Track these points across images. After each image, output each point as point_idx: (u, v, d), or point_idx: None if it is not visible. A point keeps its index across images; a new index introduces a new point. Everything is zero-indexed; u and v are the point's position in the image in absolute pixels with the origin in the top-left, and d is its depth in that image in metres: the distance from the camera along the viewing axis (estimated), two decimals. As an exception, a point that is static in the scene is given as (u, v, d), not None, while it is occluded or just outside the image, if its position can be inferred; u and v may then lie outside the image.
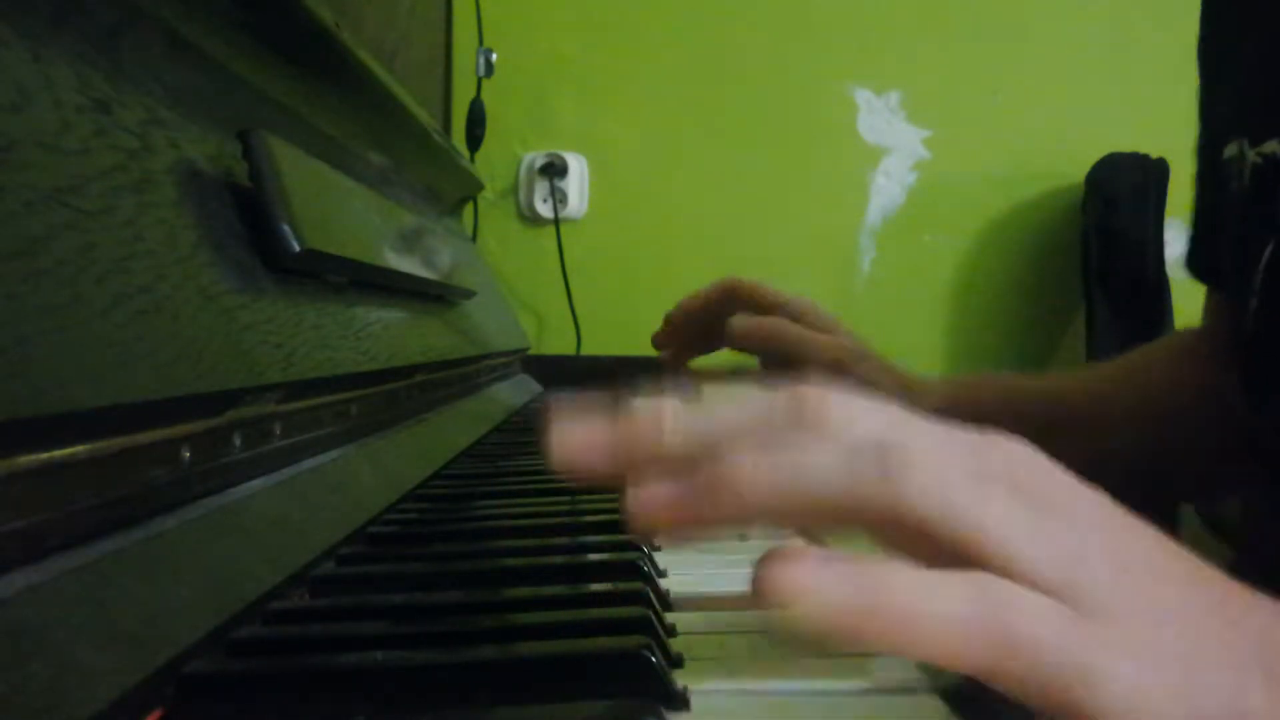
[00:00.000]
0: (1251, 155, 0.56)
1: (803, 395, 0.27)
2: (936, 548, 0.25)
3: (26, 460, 0.25)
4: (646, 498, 0.26)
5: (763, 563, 0.24)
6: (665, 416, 0.27)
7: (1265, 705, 0.25)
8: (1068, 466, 0.28)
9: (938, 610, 0.24)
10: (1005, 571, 0.25)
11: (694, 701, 0.27)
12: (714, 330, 0.74)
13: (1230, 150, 0.58)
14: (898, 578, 0.24)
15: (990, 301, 1.63)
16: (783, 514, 0.26)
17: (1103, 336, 1.52)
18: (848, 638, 0.24)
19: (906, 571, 0.25)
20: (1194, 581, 0.27)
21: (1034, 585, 0.25)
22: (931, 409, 0.28)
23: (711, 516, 0.26)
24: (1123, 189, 1.53)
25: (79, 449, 0.27)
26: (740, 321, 0.70)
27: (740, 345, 0.72)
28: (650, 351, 0.86)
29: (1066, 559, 0.25)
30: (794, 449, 0.25)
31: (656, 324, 0.88)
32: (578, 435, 0.27)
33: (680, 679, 0.29)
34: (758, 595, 0.24)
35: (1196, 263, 0.73)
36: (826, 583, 0.24)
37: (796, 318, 0.72)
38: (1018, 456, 0.27)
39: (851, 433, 0.26)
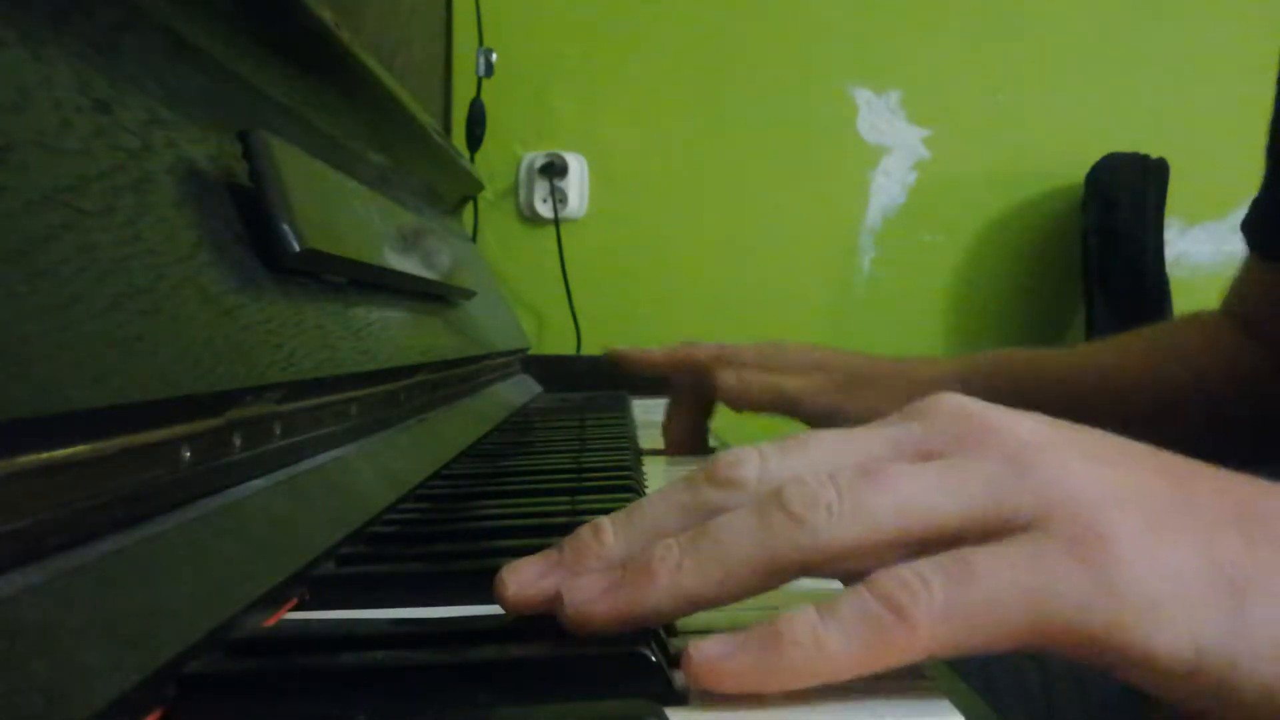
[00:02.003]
0: None
1: (711, 469, 0.28)
2: (879, 557, 0.26)
3: (26, 460, 0.25)
4: (581, 591, 0.27)
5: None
6: (601, 533, 0.29)
7: (1247, 562, 0.25)
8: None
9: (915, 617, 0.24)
10: (931, 539, 0.25)
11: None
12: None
13: None
14: (805, 616, 0.25)
15: (990, 301, 1.63)
16: (721, 594, 0.27)
17: (1103, 336, 1.52)
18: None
19: (810, 611, 0.25)
20: (1152, 462, 0.27)
21: (974, 536, 0.25)
22: (923, 388, 0.29)
23: (641, 606, 0.27)
24: (1123, 189, 1.53)
25: (79, 449, 0.27)
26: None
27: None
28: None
29: (992, 487, 0.25)
30: (707, 528, 0.27)
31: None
32: (525, 573, 0.29)
33: (680, 679, 0.29)
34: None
35: (1264, 235, 0.70)
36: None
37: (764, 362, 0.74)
38: (937, 411, 0.28)
39: (758, 484, 0.27)
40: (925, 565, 0.25)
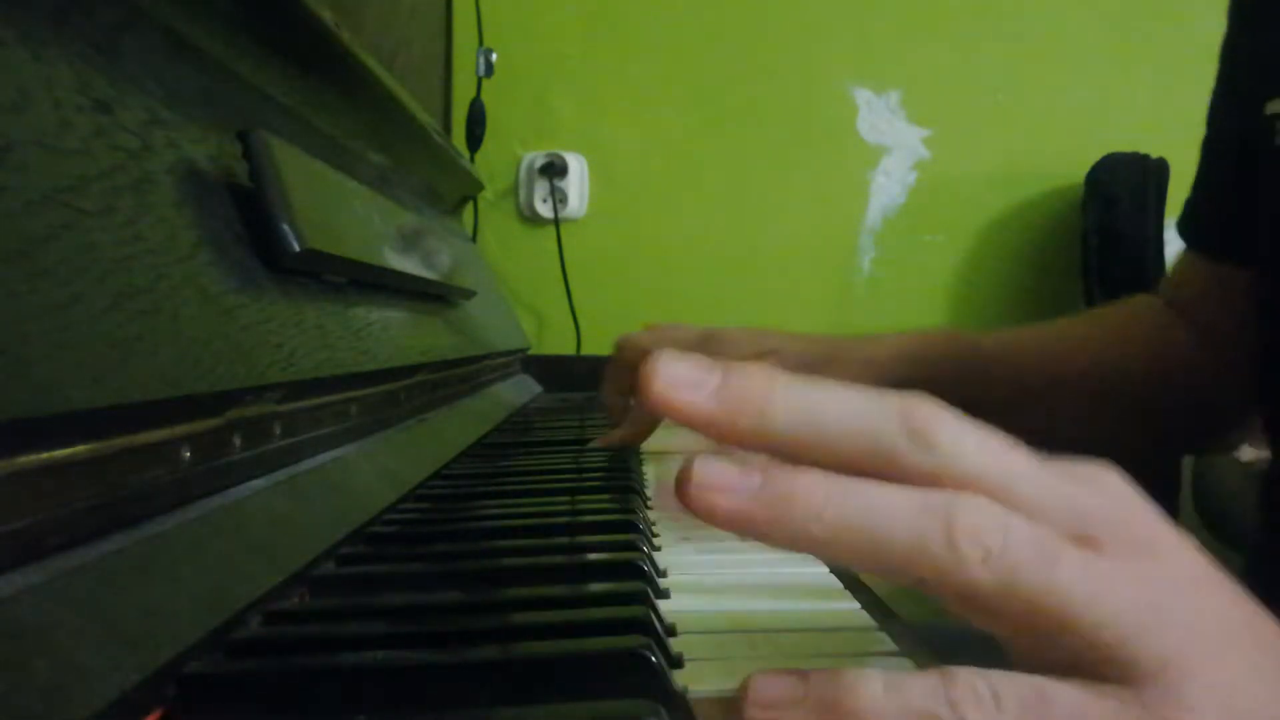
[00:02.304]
0: None
1: (912, 409, 0.26)
2: (990, 608, 0.25)
3: (26, 460, 0.25)
4: (712, 480, 0.25)
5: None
6: (775, 391, 0.26)
7: None
8: (1044, 420, 0.27)
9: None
10: (1060, 631, 0.24)
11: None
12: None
13: (1274, 106, 0.56)
14: (870, 686, 0.24)
15: (990, 301, 1.63)
16: (837, 556, 0.25)
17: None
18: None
19: (876, 681, 0.24)
20: (1268, 660, 0.26)
21: (1087, 643, 0.24)
22: (878, 367, 0.28)
23: (762, 530, 0.25)
24: (1123, 189, 1.53)
25: (79, 449, 0.27)
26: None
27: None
28: (650, 352, 0.86)
29: (1130, 617, 0.24)
30: (870, 496, 0.25)
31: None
32: (683, 374, 0.26)
33: (680, 679, 0.29)
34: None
35: (1199, 231, 0.72)
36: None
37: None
38: (1107, 500, 0.26)
39: (949, 456, 0.25)
40: (1006, 686, 0.24)
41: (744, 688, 0.25)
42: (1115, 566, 0.25)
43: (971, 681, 0.24)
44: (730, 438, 0.26)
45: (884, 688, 0.24)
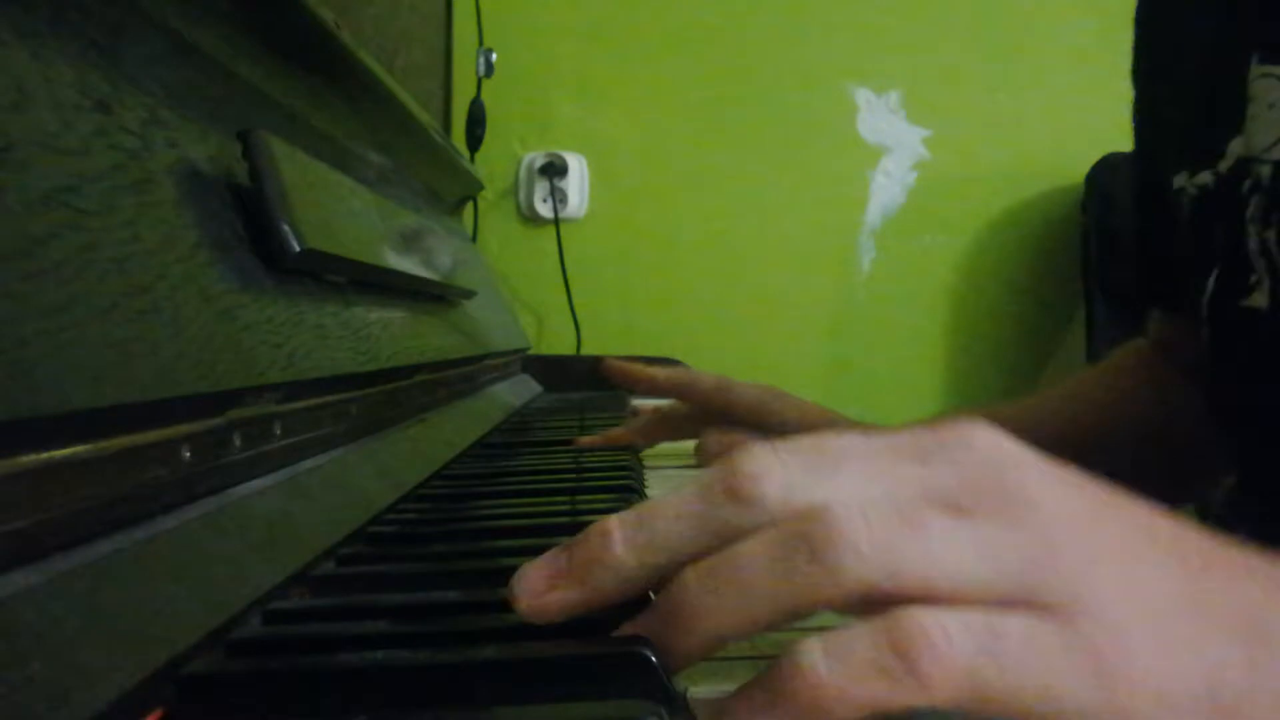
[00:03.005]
0: (1190, 186, 0.57)
1: (725, 476, 0.27)
2: (883, 601, 0.25)
3: (26, 460, 0.25)
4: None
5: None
6: (610, 537, 0.28)
7: (1244, 684, 0.25)
8: None
9: (939, 668, 0.24)
10: (956, 598, 0.25)
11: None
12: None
13: (1179, 180, 0.58)
14: (810, 659, 0.24)
15: (990, 301, 1.63)
16: (739, 627, 0.26)
17: (1103, 336, 1.52)
18: None
19: (816, 653, 0.24)
20: (1173, 559, 0.27)
21: (994, 602, 0.24)
22: None
23: (676, 645, 0.26)
24: (1123, 189, 1.53)
25: (79, 449, 0.27)
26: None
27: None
28: (650, 352, 0.86)
29: (1023, 565, 0.25)
30: (730, 563, 0.26)
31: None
32: (534, 573, 0.28)
33: (680, 679, 0.29)
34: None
35: (1149, 289, 0.74)
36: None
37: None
38: (969, 458, 0.27)
39: (781, 504, 0.26)
40: (952, 620, 0.24)
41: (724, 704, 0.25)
42: (990, 527, 0.25)
43: (918, 621, 0.24)
44: (603, 600, 0.28)
45: (824, 657, 0.24)
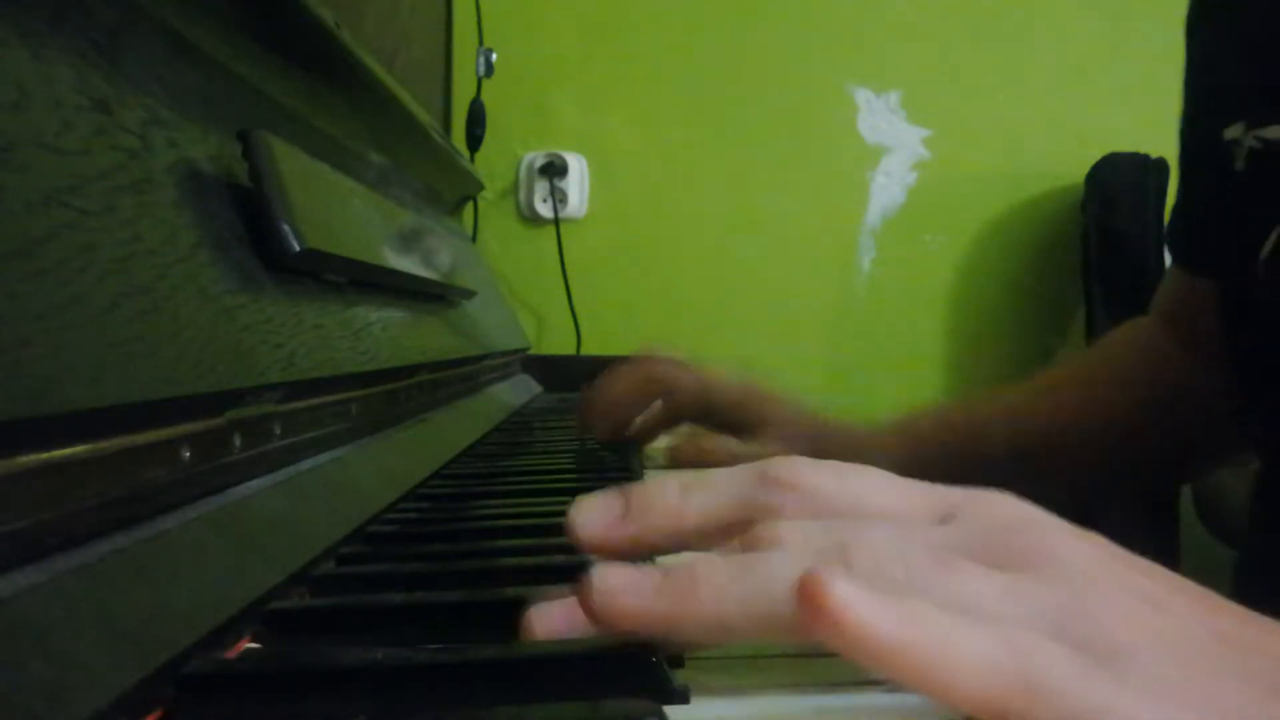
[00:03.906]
0: (1249, 140, 0.55)
1: (768, 466, 0.29)
2: None
3: (26, 460, 0.25)
4: (613, 582, 0.27)
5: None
6: (667, 492, 0.29)
7: None
8: (1050, 484, 0.27)
9: (965, 650, 0.23)
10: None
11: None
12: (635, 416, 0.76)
13: (1233, 131, 0.57)
14: (932, 615, 0.24)
15: (990, 301, 1.63)
16: (745, 626, 0.26)
17: (1103, 336, 1.52)
18: (879, 665, 0.24)
19: (935, 613, 0.24)
20: (1202, 612, 0.26)
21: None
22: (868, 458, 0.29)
23: (675, 622, 0.26)
24: (1123, 189, 1.53)
25: (79, 449, 0.27)
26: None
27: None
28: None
29: (1060, 615, 0.24)
30: (766, 558, 0.26)
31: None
32: (593, 517, 0.30)
33: (680, 678, 0.29)
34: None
35: (1181, 248, 0.72)
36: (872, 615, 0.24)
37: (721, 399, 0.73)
38: (997, 516, 0.27)
39: (812, 524, 0.27)
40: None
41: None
42: (1017, 580, 0.25)
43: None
44: (651, 546, 0.30)
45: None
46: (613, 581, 0.27)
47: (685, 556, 0.29)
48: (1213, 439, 0.71)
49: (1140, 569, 0.27)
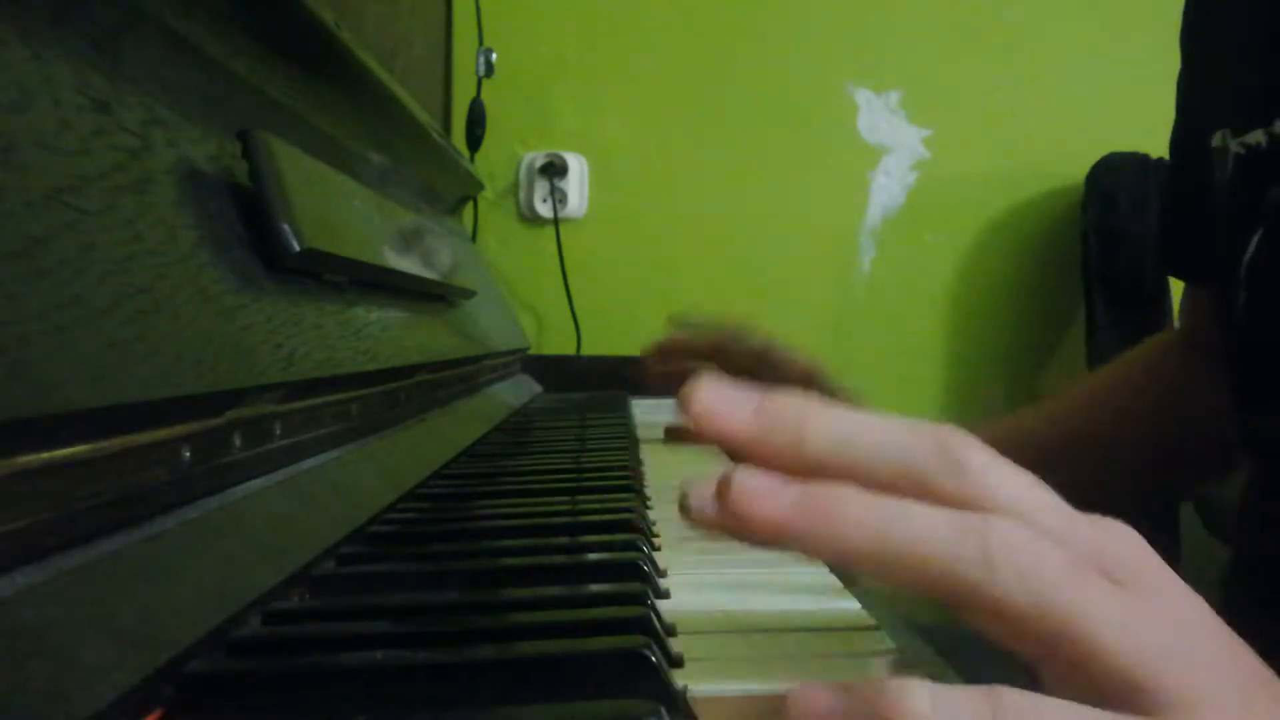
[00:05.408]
0: (1234, 145, 0.56)
1: (946, 436, 0.27)
2: (1020, 626, 0.25)
3: (26, 460, 0.25)
4: (754, 486, 0.26)
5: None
6: (811, 413, 0.27)
7: None
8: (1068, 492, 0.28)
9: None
10: (1088, 657, 0.25)
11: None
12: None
13: (1217, 140, 0.58)
14: (919, 704, 0.24)
15: (990, 301, 1.63)
16: (873, 568, 0.26)
17: (1103, 336, 1.52)
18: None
19: (924, 699, 0.24)
20: (1271, 685, 0.27)
21: (1114, 674, 0.25)
22: None
23: (801, 538, 0.26)
24: (1123, 189, 1.53)
25: (79, 449, 0.27)
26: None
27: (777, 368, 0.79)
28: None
29: (1152, 652, 0.25)
30: (908, 511, 0.26)
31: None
32: (723, 396, 0.27)
33: (680, 679, 0.29)
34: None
35: (1174, 258, 0.73)
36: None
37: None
38: (1123, 544, 0.27)
39: (977, 478, 0.26)
40: (1050, 711, 0.24)
41: (784, 700, 0.25)
42: (1136, 602, 0.26)
43: (1018, 703, 0.24)
44: (766, 456, 0.27)
45: (931, 702, 0.24)
46: (752, 484, 0.26)
47: None
48: (1225, 451, 0.72)
49: (1228, 635, 0.27)
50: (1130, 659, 0.25)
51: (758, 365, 0.79)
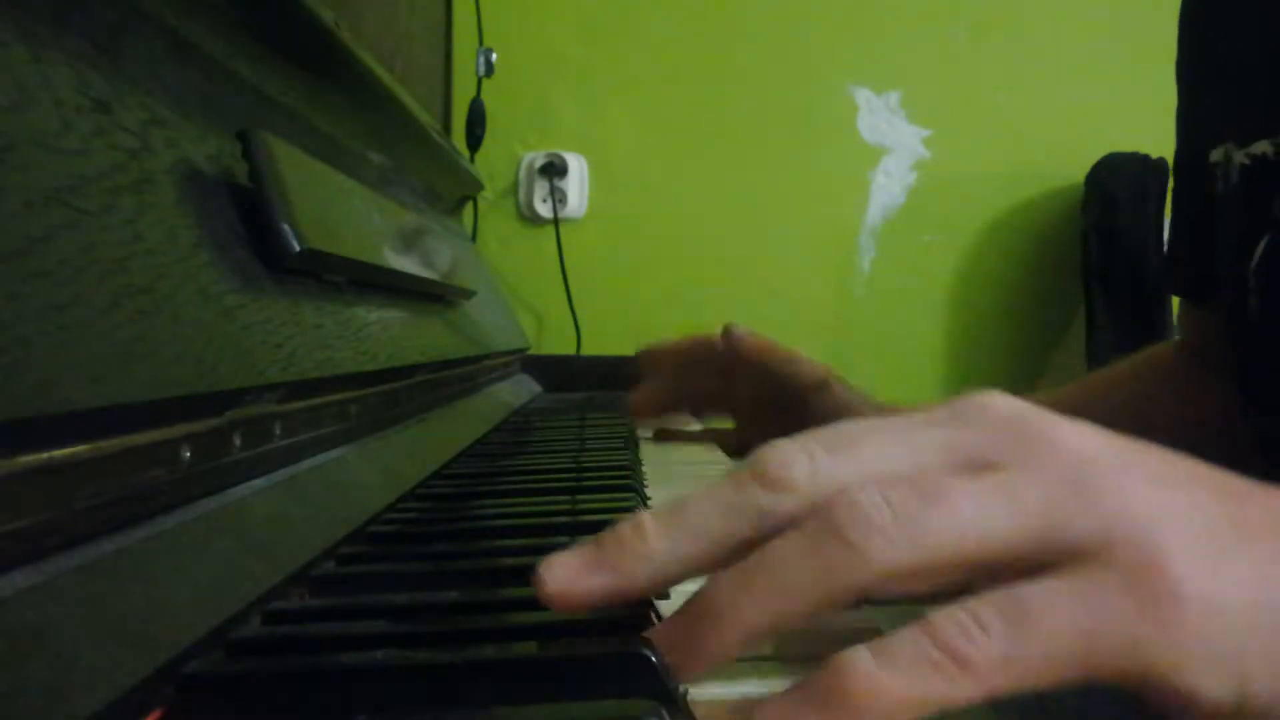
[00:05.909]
0: (1239, 156, 0.57)
1: (756, 463, 0.27)
2: (926, 579, 0.25)
3: (26, 460, 0.25)
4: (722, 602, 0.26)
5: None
6: (643, 530, 0.28)
7: None
8: None
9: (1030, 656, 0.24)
10: (995, 557, 0.25)
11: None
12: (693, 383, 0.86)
13: (1216, 154, 0.59)
14: (863, 663, 0.24)
15: (990, 301, 1.63)
16: (778, 625, 0.26)
17: (1103, 336, 1.52)
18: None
19: (865, 657, 0.24)
20: (1205, 485, 0.27)
21: (1021, 552, 0.25)
22: None
23: (705, 645, 0.26)
24: (1123, 189, 1.53)
25: (79, 449, 0.27)
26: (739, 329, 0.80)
27: (735, 345, 0.81)
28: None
29: (1050, 505, 0.25)
30: (766, 557, 0.26)
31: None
32: (564, 561, 0.28)
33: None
34: None
35: (1180, 277, 0.73)
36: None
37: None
38: (987, 415, 0.27)
39: (809, 485, 0.27)
40: (982, 608, 0.24)
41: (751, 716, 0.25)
42: (1012, 476, 0.26)
43: (951, 616, 0.24)
44: (633, 589, 0.28)
45: (874, 659, 0.24)
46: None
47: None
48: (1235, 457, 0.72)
49: (1141, 451, 0.27)
50: (1026, 532, 0.25)
51: (746, 371, 0.80)
